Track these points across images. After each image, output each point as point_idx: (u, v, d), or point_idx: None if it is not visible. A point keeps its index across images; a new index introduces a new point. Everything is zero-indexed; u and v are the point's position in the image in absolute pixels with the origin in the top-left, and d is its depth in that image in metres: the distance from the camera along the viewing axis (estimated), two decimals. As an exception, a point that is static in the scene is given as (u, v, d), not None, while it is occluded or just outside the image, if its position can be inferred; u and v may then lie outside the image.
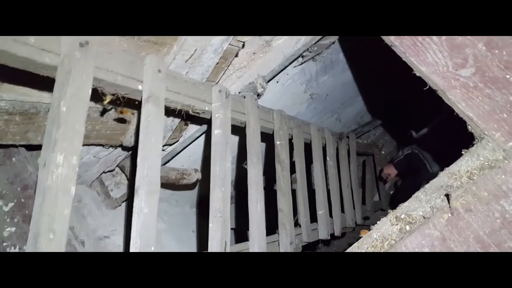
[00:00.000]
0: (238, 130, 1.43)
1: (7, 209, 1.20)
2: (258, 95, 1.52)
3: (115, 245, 1.57)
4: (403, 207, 0.84)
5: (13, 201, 1.23)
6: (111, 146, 1.44)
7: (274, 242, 1.45)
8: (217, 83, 1.38)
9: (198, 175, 1.76)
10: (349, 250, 0.84)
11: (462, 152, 0.85)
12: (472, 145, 0.85)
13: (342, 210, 2.19)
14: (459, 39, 0.88)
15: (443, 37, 0.89)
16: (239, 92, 1.50)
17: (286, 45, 1.51)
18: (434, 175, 0.86)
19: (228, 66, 1.38)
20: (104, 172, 1.68)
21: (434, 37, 0.90)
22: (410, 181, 2.66)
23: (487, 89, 0.84)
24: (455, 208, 0.79)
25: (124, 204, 1.76)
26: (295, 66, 1.79)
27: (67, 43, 0.83)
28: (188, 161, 1.90)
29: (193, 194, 2.33)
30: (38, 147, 1.07)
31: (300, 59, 1.73)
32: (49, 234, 0.72)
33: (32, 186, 1.27)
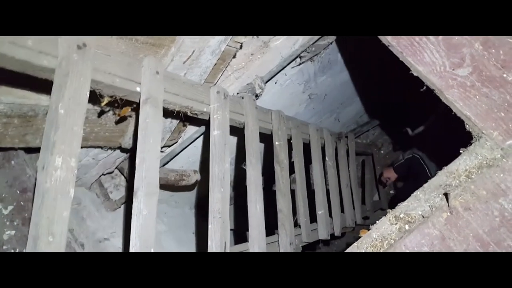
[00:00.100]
0: (237, 131, 1.43)
1: (6, 212, 1.20)
2: (257, 96, 1.52)
3: (115, 247, 1.57)
4: (402, 206, 0.84)
5: (13, 204, 1.22)
6: (110, 148, 1.44)
7: (273, 243, 1.45)
8: (215, 84, 1.38)
9: (197, 176, 1.76)
10: (348, 250, 0.84)
11: (460, 151, 0.85)
12: (470, 144, 0.85)
13: (342, 210, 2.19)
14: (456, 38, 0.89)
15: (440, 36, 0.90)
16: (237, 93, 1.50)
17: (284, 46, 1.51)
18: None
19: (226, 67, 1.38)
20: (103, 174, 1.68)
21: (431, 37, 0.90)
22: (410, 185, 2.66)
23: (484, 88, 0.85)
24: (454, 207, 0.79)
25: (123, 206, 1.76)
26: (293, 67, 1.79)
27: (64, 45, 0.83)
28: (187, 162, 1.90)
29: (192, 195, 2.33)
30: (37, 150, 1.06)
31: (298, 59, 1.73)
32: (49, 237, 0.72)
33: (31, 189, 1.26)
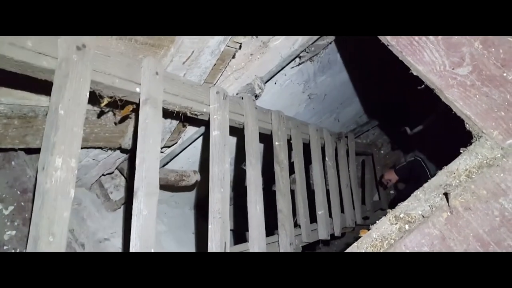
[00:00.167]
0: (236, 131, 1.43)
1: (7, 212, 1.20)
2: (256, 96, 1.52)
3: (115, 247, 1.57)
4: (402, 206, 0.84)
5: (13, 204, 1.22)
6: (110, 148, 1.44)
7: (273, 243, 1.45)
8: (214, 84, 1.38)
9: (197, 177, 1.76)
10: (348, 250, 0.84)
11: (461, 151, 0.85)
12: (470, 143, 0.85)
13: (342, 210, 2.19)
14: (456, 37, 0.89)
15: (440, 36, 0.90)
16: (237, 93, 1.50)
17: (283, 46, 1.51)
18: None
19: (225, 68, 1.38)
20: (103, 175, 1.68)
21: (431, 36, 0.90)
22: (411, 187, 2.65)
23: (484, 87, 0.85)
24: (454, 207, 0.79)
25: (123, 207, 1.76)
26: (293, 67, 1.79)
27: (64, 46, 0.83)
28: (187, 162, 1.90)
29: (192, 195, 2.33)
30: (37, 151, 1.07)
31: (297, 59, 1.73)
32: (49, 237, 0.72)
33: (31, 189, 1.26)
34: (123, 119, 1.27)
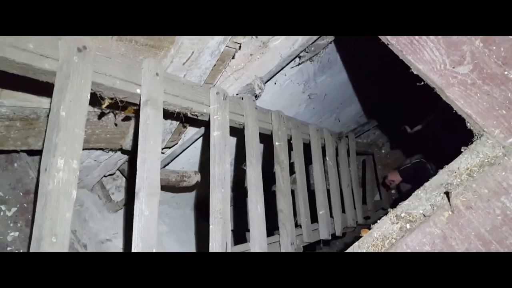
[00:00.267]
0: (237, 131, 1.43)
1: (10, 214, 1.20)
2: (256, 96, 1.52)
3: (117, 248, 1.58)
4: (403, 205, 0.84)
5: (16, 206, 1.23)
6: (111, 149, 1.44)
7: (274, 243, 1.45)
8: (214, 85, 1.39)
9: (198, 177, 1.77)
10: (350, 249, 0.84)
11: (462, 150, 0.85)
12: (471, 142, 0.85)
13: (343, 210, 2.19)
14: (456, 36, 0.88)
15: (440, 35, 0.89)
16: (237, 94, 1.50)
17: (283, 46, 1.51)
18: None
19: (225, 68, 1.38)
20: (105, 176, 1.69)
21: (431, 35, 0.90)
22: (415, 189, 2.65)
23: (485, 86, 0.84)
24: (455, 206, 0.79)
25: (125, 207, 1.77)
26: (293, 67, 1.79)
27: (65, 48, 0.83)
28: (188, 163, 1.91)
29: (193, 196, 2.33)
30: (40, 152, 1.07)
31: (297, 59, 1.73)
32: (52, 238, 0.73)
33: (34, 191, 1.27)
34: (125, 119, 1.27)
